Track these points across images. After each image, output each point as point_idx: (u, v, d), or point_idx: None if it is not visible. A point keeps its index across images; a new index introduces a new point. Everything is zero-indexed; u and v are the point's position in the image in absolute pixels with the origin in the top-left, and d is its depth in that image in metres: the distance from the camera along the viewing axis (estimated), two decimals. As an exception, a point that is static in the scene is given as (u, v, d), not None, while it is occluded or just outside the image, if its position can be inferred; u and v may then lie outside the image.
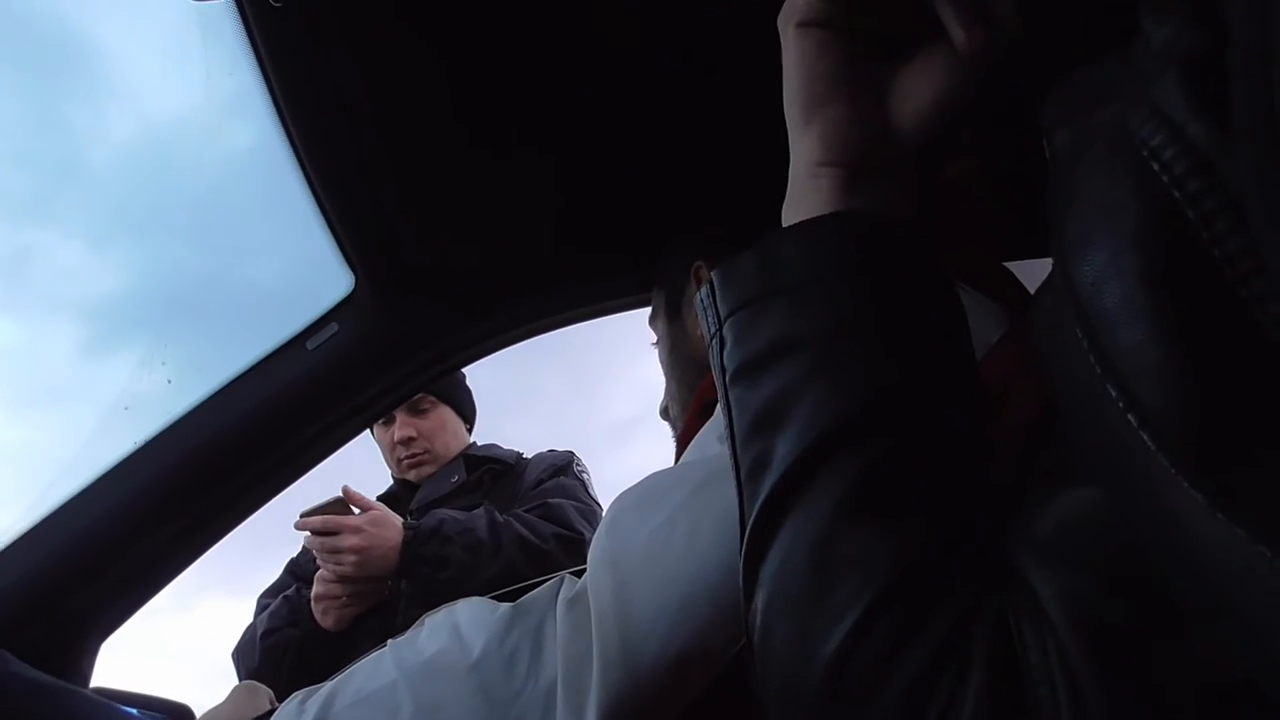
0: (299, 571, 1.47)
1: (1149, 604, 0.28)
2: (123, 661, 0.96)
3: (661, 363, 0.88)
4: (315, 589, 1.31)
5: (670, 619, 0.50)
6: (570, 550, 1.37)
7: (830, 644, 0.32)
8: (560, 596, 0.55)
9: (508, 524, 1.37)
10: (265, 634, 1.34)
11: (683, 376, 0.82)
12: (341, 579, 1.28)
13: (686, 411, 0.76)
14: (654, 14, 0.70)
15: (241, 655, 1.38)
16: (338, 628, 1.30)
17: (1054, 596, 0.30)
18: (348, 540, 1.26)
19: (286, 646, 1.32)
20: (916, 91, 0.38)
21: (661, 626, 0.50)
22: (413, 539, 1.30)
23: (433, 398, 1.59)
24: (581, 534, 1.41)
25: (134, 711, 0.65)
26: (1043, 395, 0.32)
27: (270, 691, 0.85)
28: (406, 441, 1.56)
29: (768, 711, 0.35)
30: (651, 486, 0.57)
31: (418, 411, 1.58)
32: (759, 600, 0.35)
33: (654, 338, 0.91)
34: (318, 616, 1.30)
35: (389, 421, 1.57)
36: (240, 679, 1.34)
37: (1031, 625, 0.30)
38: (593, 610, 0.52)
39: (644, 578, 0.51)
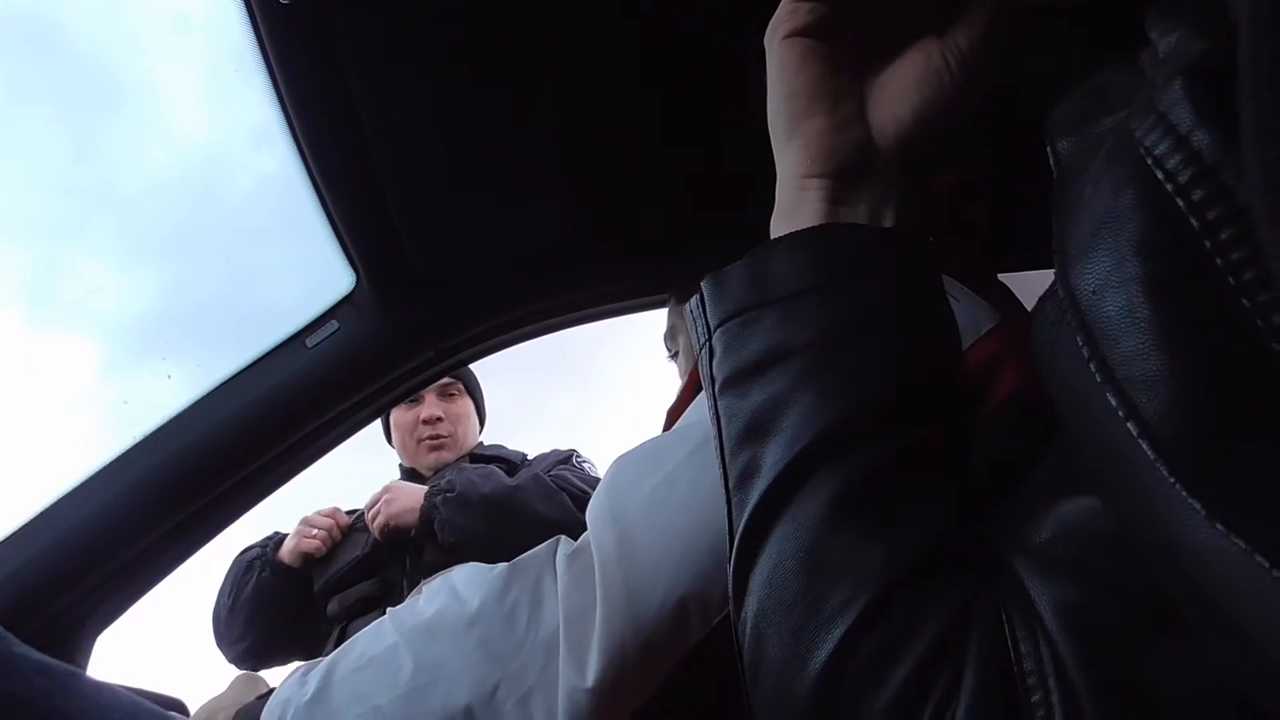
0: None
1: (1146, 615, 0.28)
2: (117, 655, 0.96)
3: (682, 374, 0.91)
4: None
5: (673, 566, 0.51)
6: (580, 504, 1.44)
7: (823, 650, 0.31)
8: (559, 553, 0.56)
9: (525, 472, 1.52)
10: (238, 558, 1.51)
11: None
12: (381, 529, 1.44)
13: None
14: (658, 18, 0.70)
15: (216, 617, 1.50)
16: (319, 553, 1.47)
17: (1051, 605, 0.30)
18: (382, 497, 1.46)
19: (254, 561, 1.49)
20: (898, 101, 0.38)
21: (665, 573, 0.51)
22: (434, 488, 1.44)
23: (460, 385, 1.65)
24: (586, 492, 1.48)
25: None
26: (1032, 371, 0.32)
27: (269, 684, 0.85)
28: (433, 421, 1.60)
29: (758, 718, 0.35)
30: (650, 448, 0.58)
31: (446, 395, 1.63)
32: (749, 607, 0.35)
33: (665, 352, 0.95)
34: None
35: (415, 402, 1.61)
36: (217, 639, 1.49)
37: (1027, 633, 0.30)
38: (596, 561, 0.53)
39: (646, 528, 0.52)
